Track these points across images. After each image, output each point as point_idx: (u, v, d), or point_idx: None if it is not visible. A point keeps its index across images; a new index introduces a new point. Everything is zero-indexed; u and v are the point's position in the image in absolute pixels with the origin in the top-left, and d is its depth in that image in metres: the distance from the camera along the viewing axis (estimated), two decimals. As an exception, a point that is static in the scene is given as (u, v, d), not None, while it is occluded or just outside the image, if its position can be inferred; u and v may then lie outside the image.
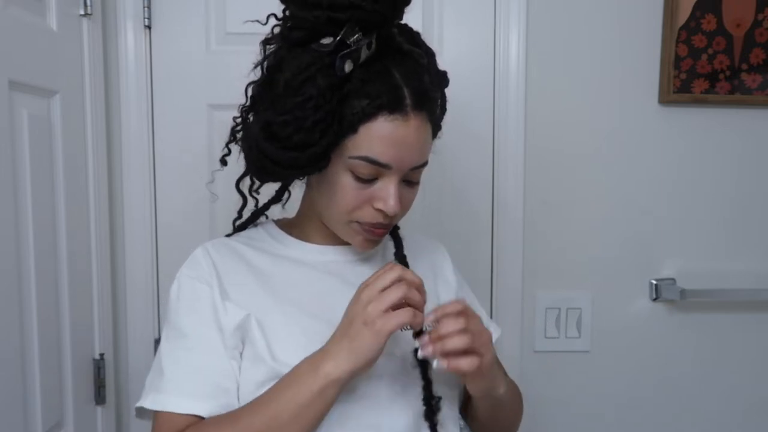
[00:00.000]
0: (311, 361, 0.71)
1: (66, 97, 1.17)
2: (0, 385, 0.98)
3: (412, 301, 0.70)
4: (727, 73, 1.36)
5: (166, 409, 0.76)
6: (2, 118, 0.97)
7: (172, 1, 1.32)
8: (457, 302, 0.73)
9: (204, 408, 0.75)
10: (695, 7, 1.33)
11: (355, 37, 0.71)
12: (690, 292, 1.36)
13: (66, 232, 1.16)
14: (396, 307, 0.69)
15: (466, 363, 0.69)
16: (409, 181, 0.79)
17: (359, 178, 0.75)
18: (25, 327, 1.04)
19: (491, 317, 1.33)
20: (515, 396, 0.92)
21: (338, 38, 0.71)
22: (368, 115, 0.72)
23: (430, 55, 0.80)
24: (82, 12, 1.22)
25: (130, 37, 1.31)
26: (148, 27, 1.32)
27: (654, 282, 1.41)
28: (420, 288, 0.72)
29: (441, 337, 0.69)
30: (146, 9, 1.31)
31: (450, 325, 0.69)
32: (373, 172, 0.75)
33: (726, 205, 1.41)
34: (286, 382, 0.72)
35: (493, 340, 0.80)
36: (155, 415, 0.78)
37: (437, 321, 0.71)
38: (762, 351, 1.44)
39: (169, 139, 1.34)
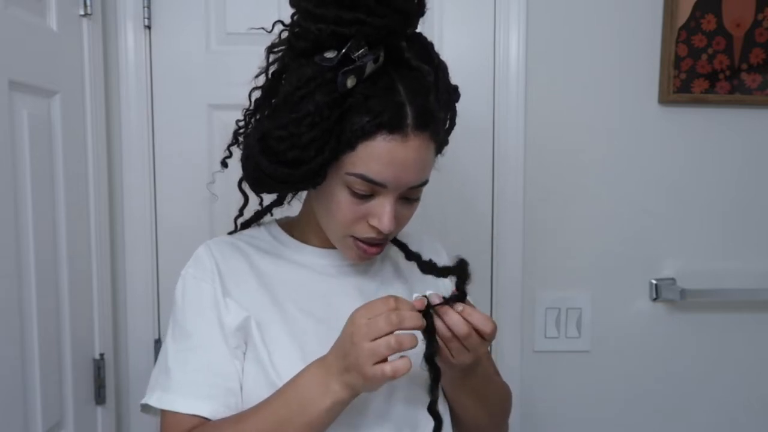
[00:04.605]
0: (320, 376, 0.70)
1: (66, 97, 1.17)
2: (0, 385, 0.98)
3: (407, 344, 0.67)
4: (727, 73, 1.36)
5: (173, 409, 0.76)
6: (2, 118, 0.97)
7: (172, 1, 1.32)
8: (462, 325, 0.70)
9: (208, 409, 0.75)
10: (695, 7, 1.33)
11: (360, 51, 0.69)
12: (690, 292, 1.36)
13: (66, 233, 1.16)
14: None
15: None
16: (408, 198, 0.77)
17: (355, 194, 0.74)
18: (26, 327, 1.04)
19: (491, 316, 1.33)
20: (492, 375, 0.90)
21: (342, 52, 0.69)
22: (367, 133, 0.71)
23: (441, 69, 0.77)
24: (82, 12, 1.22)
25: (130, 37, 1.31)
26: (148, 27, 1.32)
27: (654, 282, 1.41)
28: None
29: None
30: (146, 9, 1.31)
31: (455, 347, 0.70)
32: (369, 189, 0.74)
33: (726, 205, 1.41)
34: (293, 394, 0.71)
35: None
36: (163, 414, 0.78)
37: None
38: (762, 351, 1.44)
39: (169, 139, 1.34)
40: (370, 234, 0.77)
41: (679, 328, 1.42)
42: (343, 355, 0.69)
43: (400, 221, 0.78)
